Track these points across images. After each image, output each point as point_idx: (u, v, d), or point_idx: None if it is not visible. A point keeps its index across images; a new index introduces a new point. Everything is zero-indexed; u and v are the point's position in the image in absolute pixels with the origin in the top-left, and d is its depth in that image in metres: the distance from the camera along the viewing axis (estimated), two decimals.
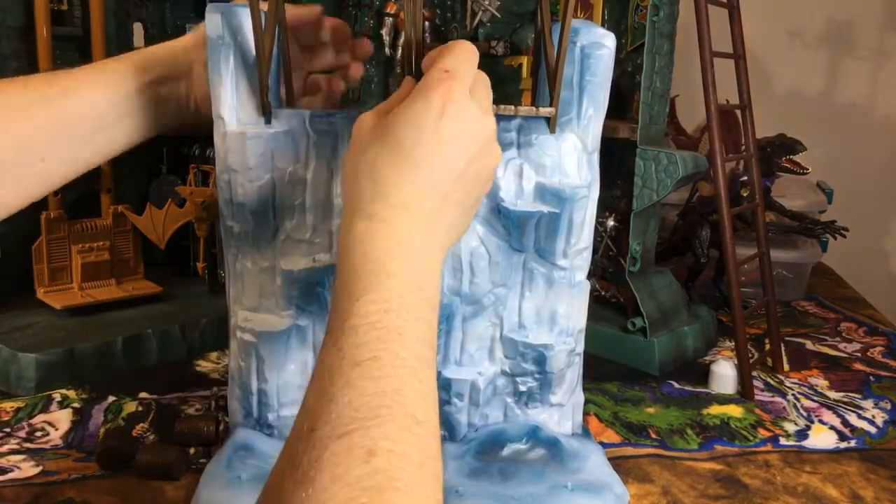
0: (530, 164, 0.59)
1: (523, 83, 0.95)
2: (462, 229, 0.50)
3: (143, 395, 0.77)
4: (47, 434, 0.69)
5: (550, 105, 0.58)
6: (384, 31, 1.05)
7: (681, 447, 0.72)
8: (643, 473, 0.67)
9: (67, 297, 0.88)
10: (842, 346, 1.00)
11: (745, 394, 0.83)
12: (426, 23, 1.05)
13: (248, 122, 0.57)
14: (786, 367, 0.92)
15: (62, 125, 0.58)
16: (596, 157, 0.60)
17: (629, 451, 0.71)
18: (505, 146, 0.59)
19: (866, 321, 1.10)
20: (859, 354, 0.97)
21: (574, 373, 0.65)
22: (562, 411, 0.65)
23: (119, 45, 0.96)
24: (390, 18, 1.05)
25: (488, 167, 0.50)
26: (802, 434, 0.75)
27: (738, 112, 0.92)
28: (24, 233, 0.88)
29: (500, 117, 0.58)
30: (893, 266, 1.69)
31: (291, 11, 0.62)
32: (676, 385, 0.86)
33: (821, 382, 0.88)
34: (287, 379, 0.62)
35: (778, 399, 0.83)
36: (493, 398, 0.64)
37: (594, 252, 0.65)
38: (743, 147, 0.93)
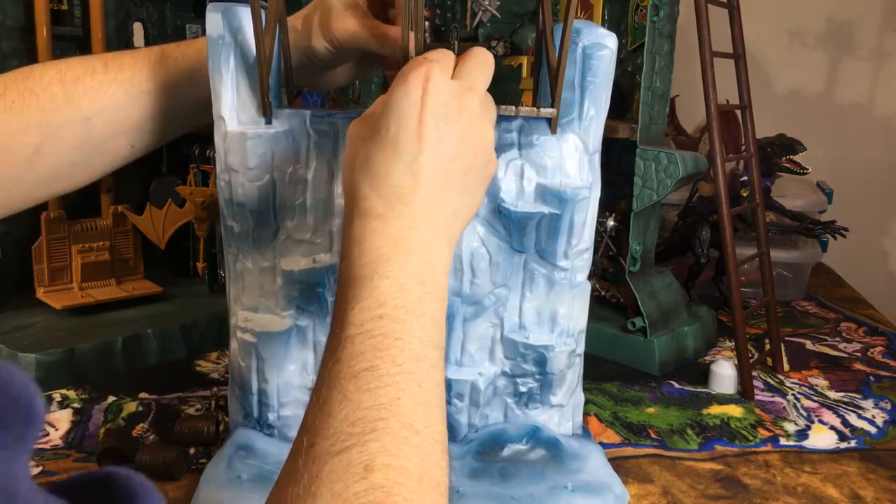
0: (531, 164, 0.59)
1: (523, 83, 0.95)
2: (470, 211, 0.49)
3: (143, 395, 0.77)
4: (47, 434, 0.69)
5: (552, 106, 0.57)
6: None
7: (681, 447, 0.72)
8: (643, 474, 0.67)
9: (67, 297, 0.88)
10: (842, 346, 1.00)
11: (745, 394, 0.83)
12: (426, 22, 1.04)
13: (248, 122, 0.57)
14: (786, 367, 0.92)
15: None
16: (597, 157, 0.60)
17: (629, 451, 0.71)
18: (506, 147, 0.59)
19: (866, 321, 1.10)
20: (859, 354, 0.97)
21: (574, 373, 0.65)
22: (562, 412, 0.65)
23: (119, 45, 0.96)
24: None
25: (482, 141, 0.48)
26: (802, 434, 0.75)
27: (738, 112, 0.92)
28: (24, 233, 0.88)
29: (501, 118, 0.58)
30: (893, 266, 1.69)
31: None
32: (676, 385, 0.86)
33: (821, 382, 0.88)
34: (287, 379, 0.62)
35: (778, 399, 0.83)
36: (493, 399, 0.64)
37: (594, 252, 0.65)
38: (743, 147, 0.93)
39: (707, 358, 0.93)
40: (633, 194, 0.88)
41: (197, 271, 1.00)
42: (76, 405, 0.75)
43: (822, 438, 0.75)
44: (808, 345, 1.00)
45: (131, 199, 0.96)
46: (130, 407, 0.75)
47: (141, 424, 0.71)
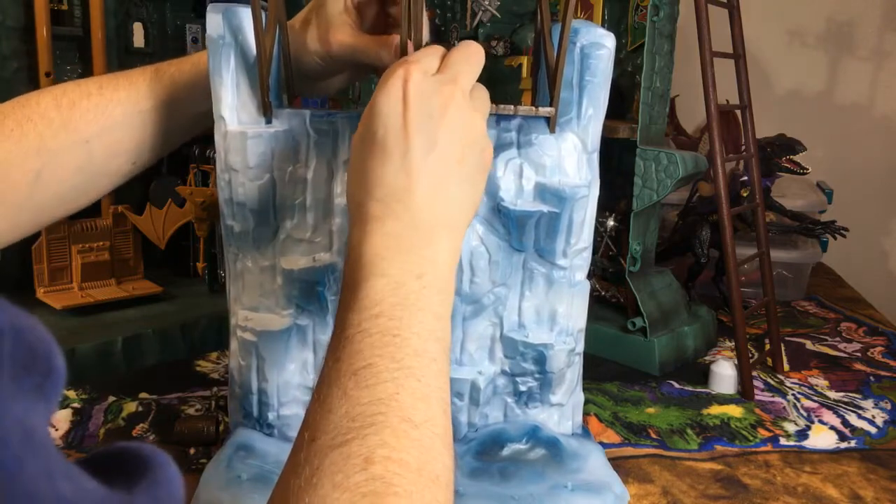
0: (530, 163, 0.59)
1: (523, 83, 0.95)
2: (473, 199, 0.49)
3: (143, 395, 0.77)
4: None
5: (550, 105, 0.58)
6: None
7: (681, 447, 0.72)
8: (643, 473, 0.67)
9: (67, 297, 0.88)
10: (842, 346, 1.00)
11: (745, 394, 0.83)
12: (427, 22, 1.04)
13: (248, 122, 0.57)
14: (786, 367, 0.92)
15: None
16: (596, 156, 0.60)
17: (629, 451, 0.71)
18: (505, 146, 0.59)
19: (866, 321, 1.10)
20: (859, 354, 0.97)
21: (574, 373, 0.65)
22: (562, 411, 0.65)
23: (119, 45, 0.96)
24: None
25: (471, 130, 0.48)
26: (802, 434, 0.75)
27: (738, 112, 0.92)
28: None
29: (500, 117, 0.58)
30: (893, 266, 1.69)
31: None
32: (676, 385, 0.86)
33: (821, 382, 0.88)
34: (287, 378, 0.62)
35: (778, 399, 0.83)
36: (493, 398, 0.64)
37: (594, 252, 0.65)
38: (743, 147, 0.93)
39: (707, 358, 0.93)
40: (633, 194, 0.88)
41: (197, 271, 1.00)
42: (76, 405, 0.75)
43: (822, 438, 0.75)
44: (808, 345, 1.00)
45: (131, 199, 0.96)
46: (130, 407, 0.75)
47: (141, 424, 0.71)
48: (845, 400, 0.83)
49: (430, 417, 0.39)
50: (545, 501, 0.57)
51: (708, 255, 1.03)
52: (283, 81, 0.61)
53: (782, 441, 0.74)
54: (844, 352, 0.98)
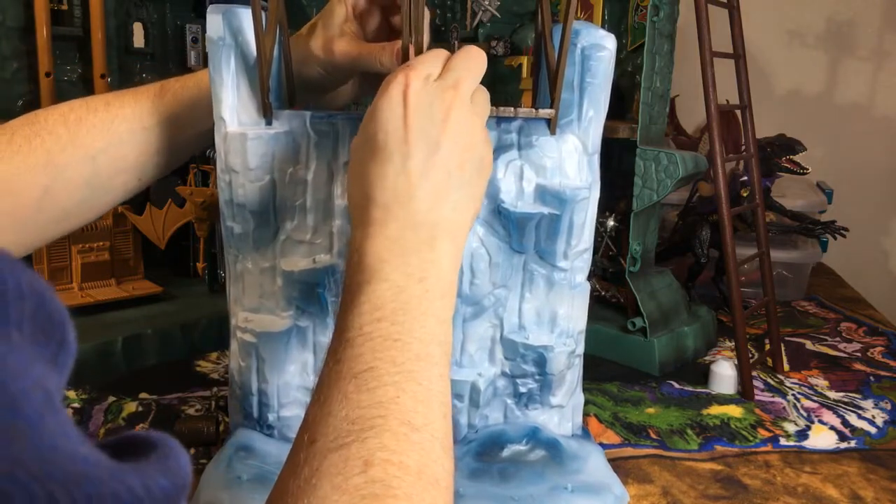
0: (531, 165, 0.59)
1: (523, 83, 0.95)
2: (473, 204, 0.49)
3: (143, 395, 0.77)
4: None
5: (551, 107, 0.58)
6: None
7: (681, 447, 0.72)
8: (643, 474, 0.67)
9: (67, 297, 0.88)
10: (842, 346, 1.00)
11: (745, 394, 0.83)
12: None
13: (248, 123, 0.57)
14: (786, 367, 0.92)
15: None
16: (596, 158, 0.60)
17: (629, 451, 0.71)
18: (505, 147, 0.59)
19: (866, 321, 1.10)
20: (859, 354, 0.97)
21: (574, 374, 0.65)
22: (562, 412, 0.65)
23: (119, 45, 0.96)
24: None
25: (472, 135, 0.48)
26: (802, 434, 0.75)
27: (738, 112, 0.92)
28: None
29: (500, 119, 0.58)
30: (893, 266, 1.69)
31: None
32: (676, 385, 0.86)
33: (821, 382, 0.88)
34: (287, 379, 0.62)
35: (778, 399, 0.83)
36: (493, 399, 0.64)
37: (594, 252, 0.65)
38: (743, 147, 0.93)
39: (707, 358, 0.93)
40: (633, 194, 0.88)
41: (197, 271, 1.00)
42: (76, 405, 0.75)
43: (822, 438, 0.75)
44: (808, 345, 1.00)
45: (131, 199, 0.95)
46: (130, 407, 0.75)
47: (141, 425, 0.71)
48: (845, 400, 0.83)
49: (430, 421, 0.39)
50: (545, 502, 0.57)
51: (708, 255, 1.03)
52: (284, 83, 0.61)
53: (782, 441, 0.74)
54: (844, 352, 0.98)
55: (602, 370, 0.89)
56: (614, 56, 0.59)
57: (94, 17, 0.89)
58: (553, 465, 0.62)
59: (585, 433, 0.67)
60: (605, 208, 0.95)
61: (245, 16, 0.56)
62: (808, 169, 1.01)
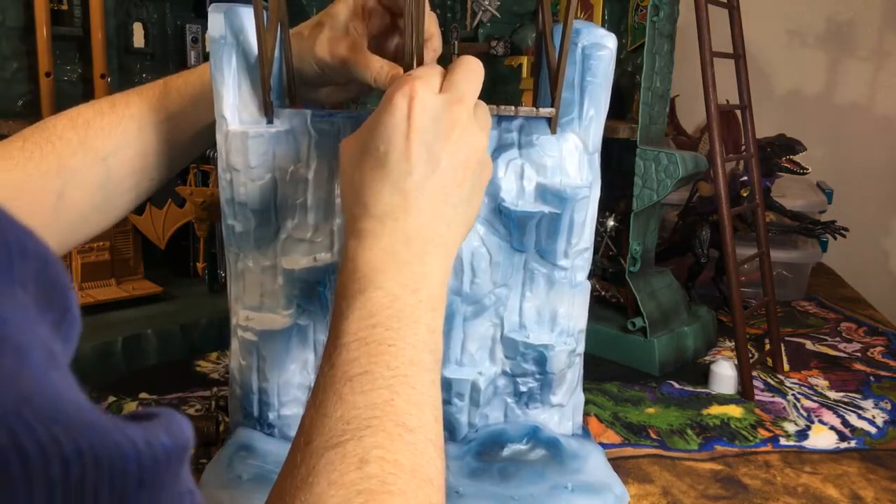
0: (531, 164, 0.59)
1: (523, 83, 0.95)
2: (467, 221, 0.49)
3: (143, 395, 0.77)
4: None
5: (552, 106, 0.58)
6: None
7: (681, 447, 0.72)
8: (643, 474, 0.67)
9: None
10: (842, 346, 1.00)
11: (745, 394, 0.83)
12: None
13: (250, 122, 0.57)
14: (786, 367, 0.92)
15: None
16: (597, 157, 0.60)
17: (629, 451, 0.71)
18: (506, 146, 0.59)
19: (866, 321, 1.10)
20: (859, 354, 0.97)
21: (574, 373, 0.65)
22: (562, 412, 0.65)
23: (119, 45, 0.96)
24: None
25: (474, 151, 0.48)
26: (802, 434, 0.75)
27: (738, 112, 0.92)
28: None
29: (501, 118, 0.58)
30: (893, 266, 1.69)
31: None
32: (676, 385, 0.86)
33: (821, 382, 0.88)
34: (288, 378, 0.62)
35: (778, 399, 0.83)
36: (493, 398, 0.64)
37: (594, 252, 0.65)
38: (743, 147, 0.93)
39: (707, 358, 0.93)
40: (633, 194, 0.88)
41: (197, 271, 1.00)
42: None
43: (822, 438, 0.75)
44: (808, 345, 1.00)
45: None
46: (130, 407, 0.75)
47: None
48: (845, 400, 0.83)
49: (423, 423, 0.39)
50: (545, 502, 0.57)
51: (708, 255, 1.03)
52: (285, 81, 0.61)
53: (782, 441, 0.74)
54: (844, 352, 0.98)
55: (602, 370, 0.89)
56: (615, 55, 0.59)
57: (94, 17, 0.89)
58: (553, 464, 0.62)
59: (586, 433, 0.67)
60: (605, 208, 0.95)
61: (246, 15, 0.56)
62: (808, 169, 1.01)
